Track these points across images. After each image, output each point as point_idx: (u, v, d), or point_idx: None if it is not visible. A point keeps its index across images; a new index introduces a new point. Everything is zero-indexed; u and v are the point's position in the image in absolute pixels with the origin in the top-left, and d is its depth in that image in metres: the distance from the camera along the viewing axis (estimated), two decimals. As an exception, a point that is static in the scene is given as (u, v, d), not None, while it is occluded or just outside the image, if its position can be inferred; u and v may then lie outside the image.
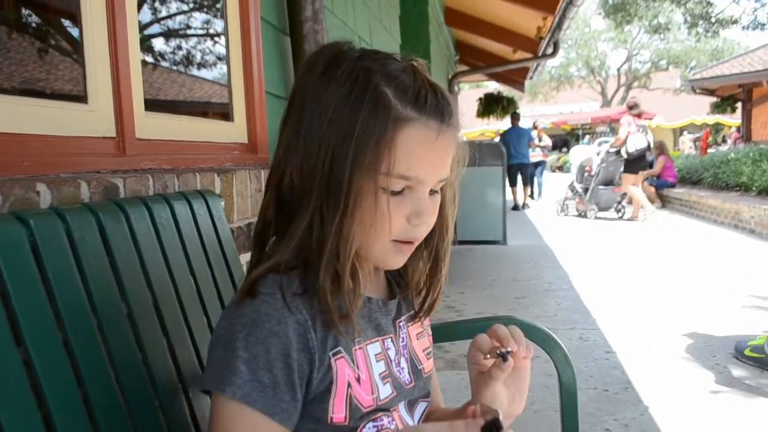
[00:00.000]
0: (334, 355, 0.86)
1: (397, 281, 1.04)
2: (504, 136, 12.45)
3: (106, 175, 1.12)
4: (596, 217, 10.29)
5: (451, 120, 0.87)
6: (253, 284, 0.84)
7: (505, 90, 15.95)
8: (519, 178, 12.39)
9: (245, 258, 1.62)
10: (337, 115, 0.83)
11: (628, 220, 10.07)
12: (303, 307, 0.84)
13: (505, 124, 14.52)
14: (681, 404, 2.93)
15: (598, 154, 10.45)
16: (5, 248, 0.75)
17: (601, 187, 10.28)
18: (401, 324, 1.00)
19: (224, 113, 2.00)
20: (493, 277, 5.90)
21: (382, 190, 0.83)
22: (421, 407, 1.02)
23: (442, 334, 1.39)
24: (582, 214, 10.56)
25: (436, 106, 0.85)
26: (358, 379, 0.89)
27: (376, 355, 0.93)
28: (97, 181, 1.04)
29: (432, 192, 0.89)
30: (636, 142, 9.42)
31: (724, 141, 19.03)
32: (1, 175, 0.98)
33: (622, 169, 9.81)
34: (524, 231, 9.00)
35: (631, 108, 9.76)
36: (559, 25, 7.93)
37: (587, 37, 36.32)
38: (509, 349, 0.88)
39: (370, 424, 0.91)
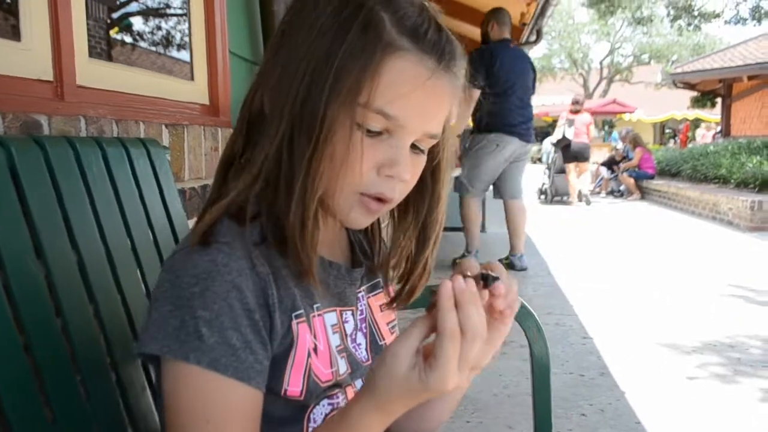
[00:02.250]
0: (296, 317, 0.75)
1: (362, 248, 0.92)
2: None
3: (30, 111, 0.99)
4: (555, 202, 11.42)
5: (452, 66, 0.73)
6: (208, 229, 0.71)
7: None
8: None
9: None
10: (322, 33, 0.71)
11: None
12: (262, 258, 0.72)
13: None
14: (657, 390, 2.86)
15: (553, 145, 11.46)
16: None
17: (556, 175, 11.37)
18: (360, 295, 0.89)
19: (184, 72, 1.87)
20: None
21: (357, 126, 0.70)
22: None
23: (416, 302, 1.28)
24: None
25: (436, 42, 0.72)
26: (316, 350, 0.77)
27: (332, 326, 0.82)
28: (14, 115, 0.91)
29: (416, 149, 0.76)
30: (556, 134, 10.97)
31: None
32: None
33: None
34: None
35: (573, 103, 10.98)
36: (542, 12, 7.83)
37: (570, 29, 36.31)
38: (495, 275, 0.66)
39: (325, 401, 0.80)
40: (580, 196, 11.09)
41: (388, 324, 0.93)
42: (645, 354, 3.34)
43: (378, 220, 0.92)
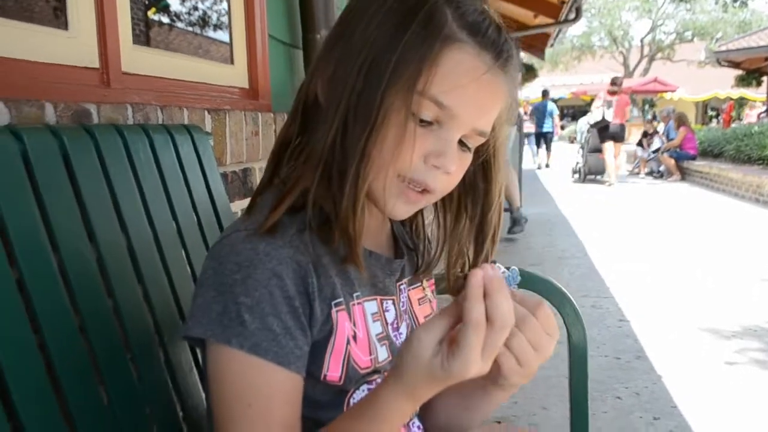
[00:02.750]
0: (336, 305, 0.77)
1: (404, 242, 0.94)
2: (535, 107, 14.80)
3: (85, 101, 1.02)
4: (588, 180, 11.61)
5: (509, 66, 0.75)
6: (278, 221, 0.74)
7: (525, 57, 15.66)
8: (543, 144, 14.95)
9: (240, 205, 1.53)
10: (385, 22, 0.73)
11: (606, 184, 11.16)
12: (303, 247, 0.74)
13: (524, 93, 16.04)
14: (695, 375, 2.84)
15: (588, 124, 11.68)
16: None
17: (589, 154, 11.51)
18: (402, 287, 0.91)
19: (224, 55, 1.89)
20: (505, 245, 5.80)
21: (412, 115, 0.72)
22: None
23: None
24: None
25: (495, 40, 0.74)
26: (355, 337, 0.79)
27: (372, 314, 0.83)
28: (66, 104, 0.94)
29: (463, 146, 0.77)
30: (595, 115, 11.16)
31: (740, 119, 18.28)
32: None
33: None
34: (539, 198, 8.87)
35: (611, 84, 11.07)
36: (582, -12, 7.67)
37: (611, 6, 35.44)
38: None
39: (365, 386, 0.82)
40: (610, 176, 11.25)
41: (425, 317, 0.95)
42: (683, 338, 3.30)
43: (422, 216, 0.94)
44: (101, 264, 0.88)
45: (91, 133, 0.91)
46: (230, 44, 1.89)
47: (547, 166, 14.95)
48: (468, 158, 0.79)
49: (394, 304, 0.87)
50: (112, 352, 0.86)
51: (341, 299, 0.77)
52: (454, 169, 0.76)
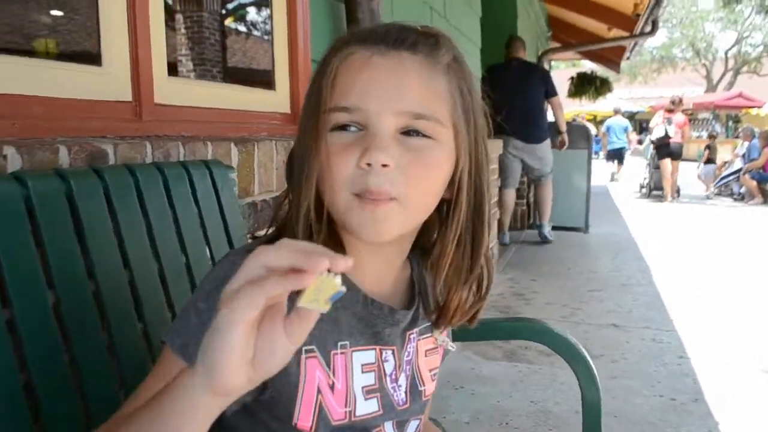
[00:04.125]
0: (306, 352, 0.75)
1: (425, 290, 0.90)
2: (608, 127, 15.09)
3: (95, 140, 1.04)
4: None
5: (403, 43, 0.74)
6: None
7: (600, 70, 15.24)
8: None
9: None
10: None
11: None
12: None
13: (598, 106, 16.19)
14: (755, 425, 2.66)
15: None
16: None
17: (655, 170, 11.59)
18: (412, 336, 0.87)
19: (266, 81, 1.91)
20: (569, 266, 5.63)
21: (329, 132, 0.73)
22: (413, 426, 0.89)
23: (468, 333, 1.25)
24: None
25: (383, 33, 0.75)
26: (332, 387, 0.77)
27: (364, 365, 0.81)
28: (80, 147, 0.96)
29: (408, 134, 0.73)
30: (656, 132, 11.13)
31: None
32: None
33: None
34: (607, 218, 8.60)
35: (671, 102, 11.21)
36: (657, 2, 7.42)
37: (693, 17, 34.17)
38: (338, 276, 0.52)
39: None
40: (674, 193, 11.39)
41: (431, 371, 0.91)
42: (747, 382, 3.11)
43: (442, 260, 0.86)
44: (99, 300, 0.89)
45: (101, 175, 0.93)
46: (272, 70, 1.90)
47: (616, 180, 15.12)
48: (426, 147, 0.74)
49: (394, 354, 0.84)
50: (106, 392, 0.87)
51: (312, 346, 0.75)
52: (389, 160, 0.71)
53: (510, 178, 6.19)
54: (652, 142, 11.27)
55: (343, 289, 0.50)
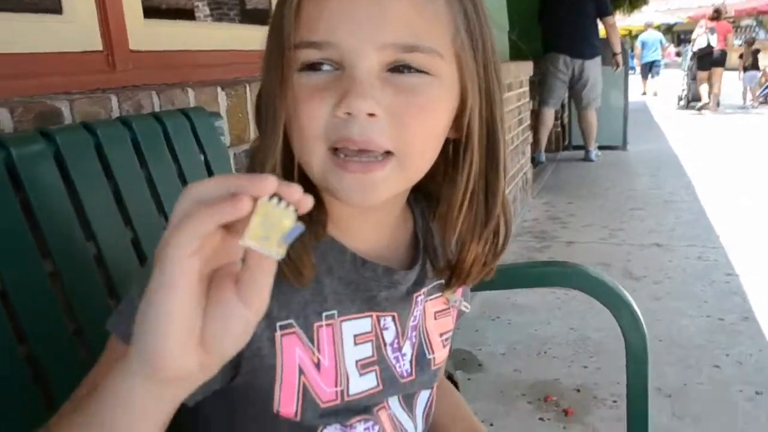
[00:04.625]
0: (282, 328, 0.64)
1: (433, 246, 0.77)
2: (641, 42, 15.10)
3: (45, 98, 0.94)
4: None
5: None
6: None
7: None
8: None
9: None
10: None
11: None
12: None
13: (633, 20, 16.72)
14: (810, 340, 2.52)
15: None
16: None
17: (692, 81, 11.61)
18: (419, 299, 0.75)
19: (260, 15, 1.77)
20: (607, 186, 5.44)
21: (297, 72, 0.59)
22: (423, 398, 0.79)
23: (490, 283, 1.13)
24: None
25: None
26: (318, 365, 0.66)
27: (356, 335, 0.69)
28: (25, 107, 0.86)
29: (398, 71, 0.58)
30: (699, 42, 11.00)
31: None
32: None
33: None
34: (646, 133, 8.28)
35: (714, 11, 11.13)
36: None
37: None
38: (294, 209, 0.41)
39: (337, 426, 0.69)
40: (714, 102, 11.24)
41: (441, 335, 0.80)
42: (800, 295, 2.96)
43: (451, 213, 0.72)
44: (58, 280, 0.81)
45: (51, 138, 0.82)
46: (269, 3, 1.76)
47: (654, 94, 14.83)
48: (421, 86, 0.60)
49: (395, 320, 0.73)
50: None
51: (290, 320, 0.64)
52: (375, 108, 0.57)
53: (552, 98, 6.11)
54: (694, 53, 11.15)
55: (301, 226, 0.39)
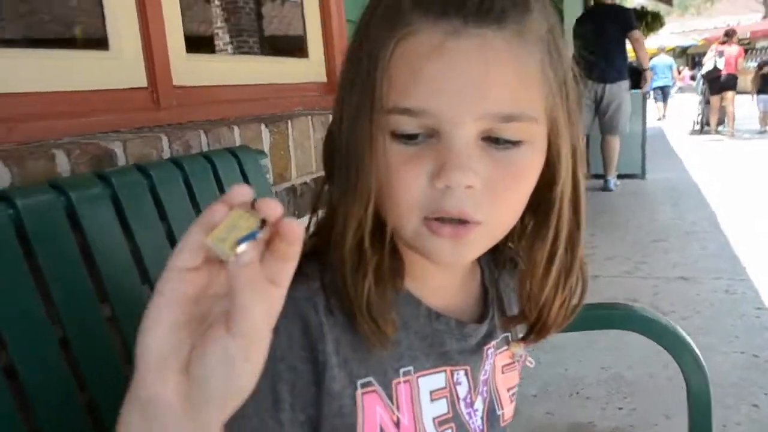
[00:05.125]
0: (363, 386, 0.62)
1: (500, 298, 0.76)
2: (652, 66, 15.22)
3: (99, 139, 0.92)
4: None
5: (487, 16, 0.54)
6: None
7: (651, 4, 14.55)
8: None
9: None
10: (349, 48, 0.60)
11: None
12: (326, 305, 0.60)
13: (650, 42, 16.04)
14: None
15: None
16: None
17: (706, 105, 11.55)
18: (489, 351, 0.73)
19: (296, 48, 1.77)
20: (628, 217, 5.39)
21: (391, 137, 0.56)
22: None
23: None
24: None
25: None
26: (398, 424, 0.64)
27: (433, 392, 0.67)
28: (81, 150, 0.84)
29: (495, 142, 0.56)
30: (707, 66, 11.13)
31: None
32: None
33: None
34: (664, 160, 8.23)
35: (724, 35, 11.26)
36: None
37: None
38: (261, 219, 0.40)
39: None
40: (727, 126, 11.24)
41: (509, 390, 0.78)
42: (836, 331, 2.89)
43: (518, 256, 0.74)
44: (115, 325, 0.80)
45: (108, 180, 0.81)
46: (304, 35, 1.75)
47: (663, 117, 14.88)
48: (517, 158, 0.57)
49: (467, 375, 0.70)
50: None
51: (370, 378, 0.62)
52: (474, 180, 0.55)
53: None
54: (703, 76, 11.25)
55: (259, 232, 0.39)
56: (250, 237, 0.38)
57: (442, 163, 0.54)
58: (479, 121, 0.54)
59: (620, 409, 2.29)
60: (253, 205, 0.39)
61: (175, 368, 0.40)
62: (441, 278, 0.69)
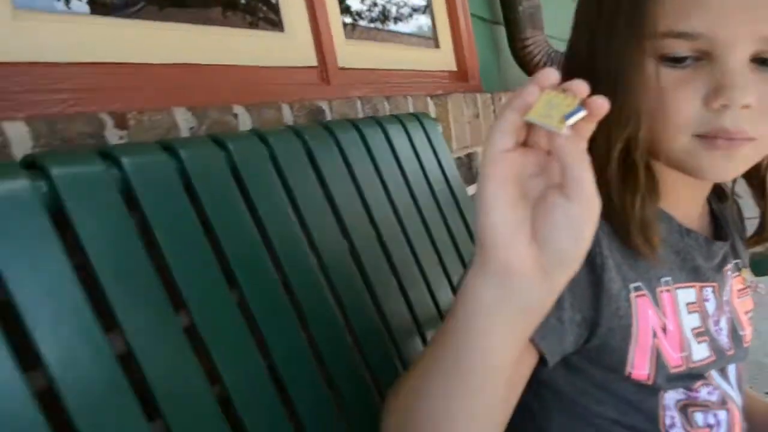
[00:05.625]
0: (635, 290, 0.63)
1: (725, 222, 0.78)
2: None
3: (312, 100, 0.98)
4: None
5: None
6: None
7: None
8: None
9: (471, 191, 1.43)
10: None
11: None
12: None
13: None
14: None
15: None
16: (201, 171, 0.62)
17: None
18: (728, 273, 0.74)
19: (429, 40, 1.82)
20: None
21: (659, 61, 0.58)
22: (732, 370, 0.75)
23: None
24: None
25: None
26: (664, 329, 0.65)
27: (688, 304, 0.68)
28: (300, 104, 0.89)
29: (763, 61, 0.57)
30: None
31: None
32: (200, 103, 0.85)
33: None
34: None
35: None
36: None
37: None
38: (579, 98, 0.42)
39: (681, 389, 0.67)
40: None
41: (746, 313, 0.77)
42: None
43: (733, 190, 0.77)
44: (356, 259, 0.82)
45: (330, 130, 0.85)
46: (434, 28, 1.80)
47: None
48: None
49: (714, 292, 0.71)
50: (380, 348, 0.80)
51: (639, 283, 0.63)
52: (751, 99, 0.56)
53: None
54: None
55: (581, 110, 0.41)
56: (576, 112, 0.40)
57: (717, 84, 0.56)
58: (753, 43, 0.56)
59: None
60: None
61: (523, 240, 0.43)
62: (689, 197, 0.71)
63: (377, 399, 0.74)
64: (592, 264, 0.60)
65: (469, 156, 1.46)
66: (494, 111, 1.64)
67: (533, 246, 0.43)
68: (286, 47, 1.17)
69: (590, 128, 0.42)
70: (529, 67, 2.19)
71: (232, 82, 0.98)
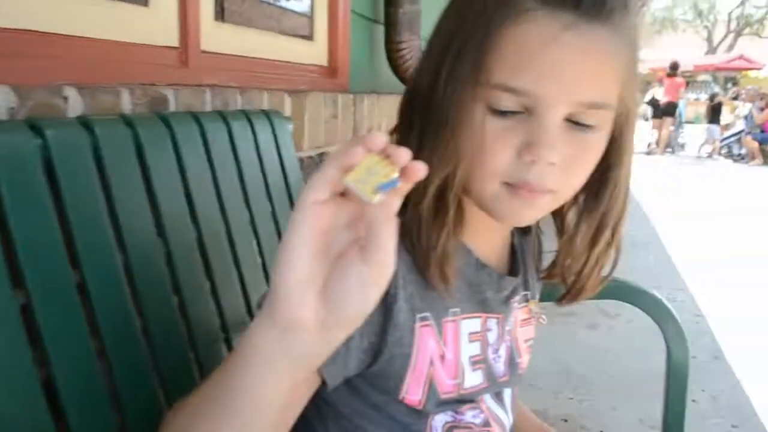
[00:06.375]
0: (421, 319, 0.69)
1: (523, 256, 0.84)
2: None
3: (155, 86, 0.98)
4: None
5: (600, 11, 0.60)
6: None
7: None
8: None
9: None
10: (451, 12, 0.66)
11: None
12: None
13: None
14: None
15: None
16: (9, 161, 0.61)
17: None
18: (515, 305, 0.82)
19: (303, 32, 1.83)
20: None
21: (487, 109, 0.62)
22: (508, 393, 0.85)
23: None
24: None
25: None
26: (443, 357, 0.72)
27: (470, 333, 0.75)
28: (142, 91, 0.90)
29: (577, 125, 0.63)
30: (647, 95, 12.47)
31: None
32: (26, 81, 0.80)
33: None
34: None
35: (670, 68, 12.49)
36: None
37: (697, -23, 33.64)
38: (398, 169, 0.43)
39: (450, 412, 0.75)
40: (667, 147, 12.79)
41: (526, 341, 0.87)
42: (764, 336, 3.12)
43: (537, 225, 0.85)
44: (169, 259, 0.84)
45: (167, 122, 0.87)
46: (311, 17, 1.82)
47: None
48: (588, 140, 0.65)
49: (498, 323, 0.79)
50: (175, 350, 0.82)
51: (427, 313, 0.70)
52: (557, 158, 0.62)
53: None
54: (646, 102, 12.43)
55: (397, 180, 0.42)
56: (391, 184, 0.42)
57: (531, 139, 0.62)
58: (569, 105, 0.61)
59: (570, 399, 2.44)
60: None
61: (313, 294, 0.45)
62: (491, 233, 0.77)
63: (163, 404, 0.76)
64: (385, 294, 0.61)
65: (321, 155, 1.52)
66: (354, 113, 1.69)
67: (320, 304, 0.45)
68: (147, 23, 1.16)
69: (405, 190, 0.44)
70: (400, 71, 2.27)
71: (72, 57, 0.94)
